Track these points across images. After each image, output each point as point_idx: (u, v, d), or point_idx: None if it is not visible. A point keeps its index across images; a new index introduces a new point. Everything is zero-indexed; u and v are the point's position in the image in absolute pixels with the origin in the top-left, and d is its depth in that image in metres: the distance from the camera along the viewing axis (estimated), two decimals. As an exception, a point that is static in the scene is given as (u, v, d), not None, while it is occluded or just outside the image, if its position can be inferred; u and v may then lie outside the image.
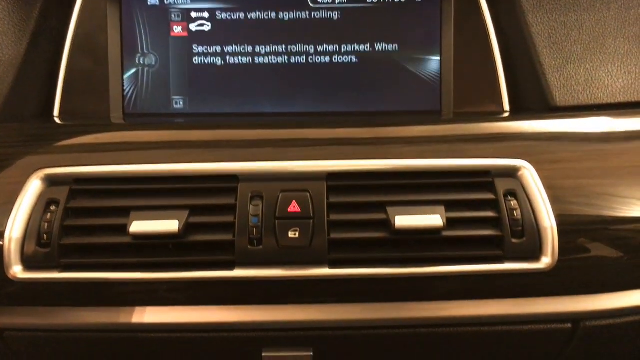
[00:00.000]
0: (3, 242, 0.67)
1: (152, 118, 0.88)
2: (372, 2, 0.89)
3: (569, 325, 0.70)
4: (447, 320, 0.69)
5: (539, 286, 0.68)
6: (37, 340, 0.71)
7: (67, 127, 0.81)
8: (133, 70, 0.89)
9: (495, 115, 0.85)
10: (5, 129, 0.77)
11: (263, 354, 0.71)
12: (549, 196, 0.68)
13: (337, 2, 0.89)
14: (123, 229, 0.66)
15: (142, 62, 0.89)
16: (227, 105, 0.90)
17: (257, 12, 0.89)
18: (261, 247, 0.67)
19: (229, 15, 0.89)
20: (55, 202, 0.69)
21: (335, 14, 0.89)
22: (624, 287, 0.69)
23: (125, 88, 0.89)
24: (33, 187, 0.69)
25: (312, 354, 0.71)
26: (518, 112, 0.86)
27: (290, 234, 0.67)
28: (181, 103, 0.90)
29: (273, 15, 0.89)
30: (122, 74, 0.89)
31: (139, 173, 0.70)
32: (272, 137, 0.75)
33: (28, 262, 0.67)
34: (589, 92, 0.83)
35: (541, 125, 0.76)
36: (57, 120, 0.86)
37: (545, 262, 0.66)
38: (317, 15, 0.89)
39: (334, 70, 0.90)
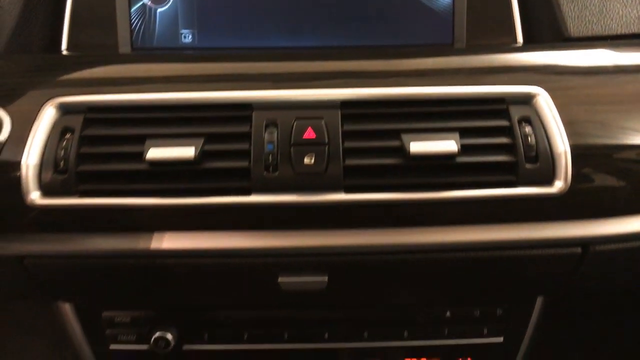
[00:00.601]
0: (20, 169, 0.67)
1: (162, 51, 0.87)
2: None
3: (579, 249, 0.71)
4: (461, 245, 0.70)
5: (551, 210, 0.69)
6: (56, 266, 0.72)
7: (78, 57, 0.81)
8: (140, 3, 0.87)
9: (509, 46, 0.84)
10: (15, 60, 0.77)
11: (279, 280, 0.72)
12: (563, 121, 0.68)
13: None
14: (139, 156, 0.67)
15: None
16: (236, 39, 0.88)
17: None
18: (277, 173, 0.67)
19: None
20: (70, 130, 0.69)
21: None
22: (634, 211, 0.71)
23: (132, 21, 0.88)
24: (47, 115, 0.69)
25: (327, 279, 0.72)
26: (531, 44, 0.85)
27: (306, 160, 0.67)
28: (190, 37, 0.89)
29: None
30: (129, 7, 0.87)
31: (153, 101, 0.70)
32: (285, 69, 0.74)
33: (46, 189, 0.67)
34: (603, 22, 0.82)
35: (555, 54, 0.76)
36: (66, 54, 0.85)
37: (558, 186, 0.67)
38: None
39: (344, 2, 0.88)
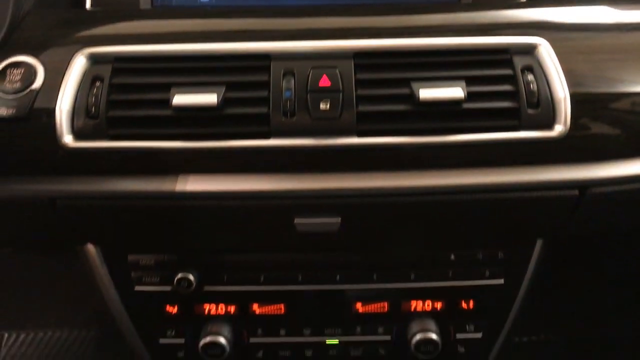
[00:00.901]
0: (54, 114, 0.71)
1: (181, 9, 0.91)
2: None
3: (576, 191, 0.76)
4: (466, 187, 0.74)
5: (551, 154, 0.73)
6: (86, 208, 0.77)
7: (105, 12, 0.85)
8: (159, -38, 0.91)
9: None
10: (45, 15, 0.81)
11: (295, 221, 0.77)
12: (563, 70, 0.73)
13: None
14: (165, 102, 0.71)
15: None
16: (251, -2, 0.93)
17: None
18: (294, 118, 0.72)
19: None
20: (100, 79, 0.73)
21: None
22: (629, 155, 0.75)
23: (152, -21, 0.92)
24: (78, 65, 0.73)
25: (340, 220, 0.77)
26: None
27: (322, 106, 0.71)
28: (207, -5, 0.93)
29: None
30: (149, -35, 0.91)
31: (178, 52, 0.74)
32: (301, 24, 0.79)
33: (78, 133, 0.72)
34: None
35: (557, 10, 0.80)
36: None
37: (557, 129, 0.72)
38: None
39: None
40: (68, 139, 0.72)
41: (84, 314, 1.52)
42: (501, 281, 0.87)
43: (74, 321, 1.49)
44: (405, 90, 0.72)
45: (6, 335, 1.44)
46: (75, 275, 1.27)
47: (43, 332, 1.45)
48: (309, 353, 0.94)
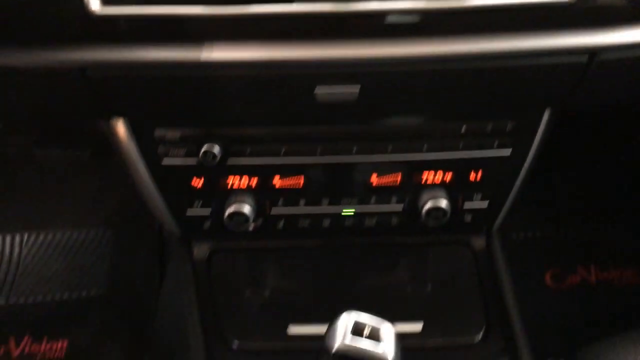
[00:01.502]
0: None
1: None
2: None
3: (586, 57, 0.79)
4: (479, 54, 0.78)
5: (562, 19, 0.76)
6: (116, 77, 0.80)
7: None
8: None
9: None
10: None
11: (316, 91, 0.81)
12: None
13: None
14: None
15: None
16: None
17: None
18: None
19: None
20: None
21: None
22: (637, 23, 0.78)
23: None
24: None
25: (358, 89, 0.81)
26: None
27: None
28: None
29: None
30: None
31: None
32: None
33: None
34: None
35: None
36: None
37: None
38: None
39: None
40: (95, 5, 0.74)
41: (100, 213, 1.59)
42: (508, 152, 0.92)
43: (91, 221, 1.56)
44: None
45: (26, 235, 1.52)
46: (95, 168, 1.32)
47: (62, 232, 1.53)
48: (326, 223, 1.01)
